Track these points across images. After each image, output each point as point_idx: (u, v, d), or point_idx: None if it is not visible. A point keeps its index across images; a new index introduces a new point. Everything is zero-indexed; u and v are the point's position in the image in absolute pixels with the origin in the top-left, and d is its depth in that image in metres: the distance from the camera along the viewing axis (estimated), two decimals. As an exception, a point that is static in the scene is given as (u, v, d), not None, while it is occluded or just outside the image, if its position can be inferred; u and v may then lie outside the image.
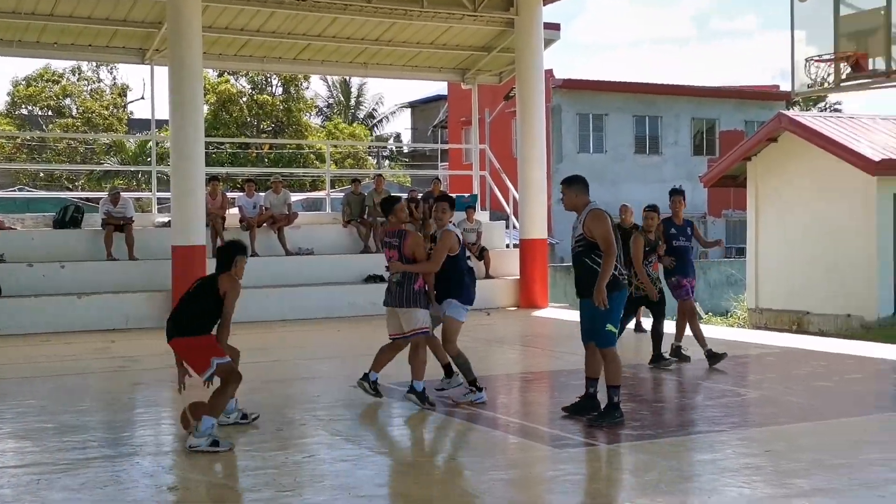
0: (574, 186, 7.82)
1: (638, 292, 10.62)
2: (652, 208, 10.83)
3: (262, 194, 17.83)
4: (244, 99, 44.40)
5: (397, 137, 57.31)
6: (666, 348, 10.80)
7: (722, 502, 5.82)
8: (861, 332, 20.56)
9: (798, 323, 21.72)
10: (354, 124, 49.58)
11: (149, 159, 27.09)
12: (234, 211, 17.78)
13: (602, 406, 7.85)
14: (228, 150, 41.07)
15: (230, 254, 7.46)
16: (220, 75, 43.69)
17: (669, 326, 11.13)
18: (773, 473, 6.49)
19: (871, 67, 14.15)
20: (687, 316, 10.88)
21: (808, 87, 14.93)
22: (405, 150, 53.95)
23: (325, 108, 53.68)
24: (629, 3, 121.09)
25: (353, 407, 8.68)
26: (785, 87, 27.42)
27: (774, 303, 22.84)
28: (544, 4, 18.53)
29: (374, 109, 55.14)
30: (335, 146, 42.21)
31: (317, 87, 52.87)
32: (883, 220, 21.55)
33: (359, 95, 54.12)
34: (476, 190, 21.62)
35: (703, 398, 9.30)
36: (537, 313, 17.37)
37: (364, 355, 11.46)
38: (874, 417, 8.29)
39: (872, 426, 7.92)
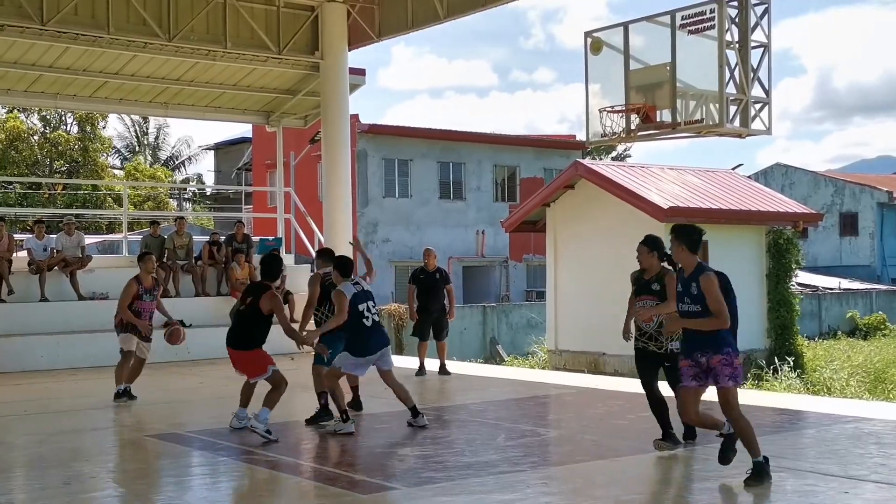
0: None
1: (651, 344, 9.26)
2: None
3: (54, 236, 17.02)
4: (36, 137, 42.36)
5: (199, 179, 56.09)
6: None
7: (523, 541, 5.89)
8: (652, 371, 21.46)
9: (595, 363, 22.49)
10: (156, 166, 48.17)
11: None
12: (23, 254, 16.89)
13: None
14: (18, 191, 38.98)
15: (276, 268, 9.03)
16: (10, 112, 41.58)
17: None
18: (571, 511, 6.64)
19: (658, 119, 14.93)
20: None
21: (602, 136, 15.59)
22: (208, 192, 52.85)
23: (123, 150, 51.95)
24: (432, 52, 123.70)
25: (145, 459, 8.30)
26: (581, 137, 28.54)
27: (573, 344, 23.53)
28: (349, 50, 18.64)
29: (177, 151, 53.85)
30: (133, 187, 40.84)
31: (118, 126, 51.04)
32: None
33: (158, 136, 52.72)
34: (281, 233, 21.38)
35: (505, 438, 9.43)
36: (343, 357, 17.20)
37: (160, 403, 11.02)
38: (665, 453, 8.63)
39: (664, 462, 8.24)
